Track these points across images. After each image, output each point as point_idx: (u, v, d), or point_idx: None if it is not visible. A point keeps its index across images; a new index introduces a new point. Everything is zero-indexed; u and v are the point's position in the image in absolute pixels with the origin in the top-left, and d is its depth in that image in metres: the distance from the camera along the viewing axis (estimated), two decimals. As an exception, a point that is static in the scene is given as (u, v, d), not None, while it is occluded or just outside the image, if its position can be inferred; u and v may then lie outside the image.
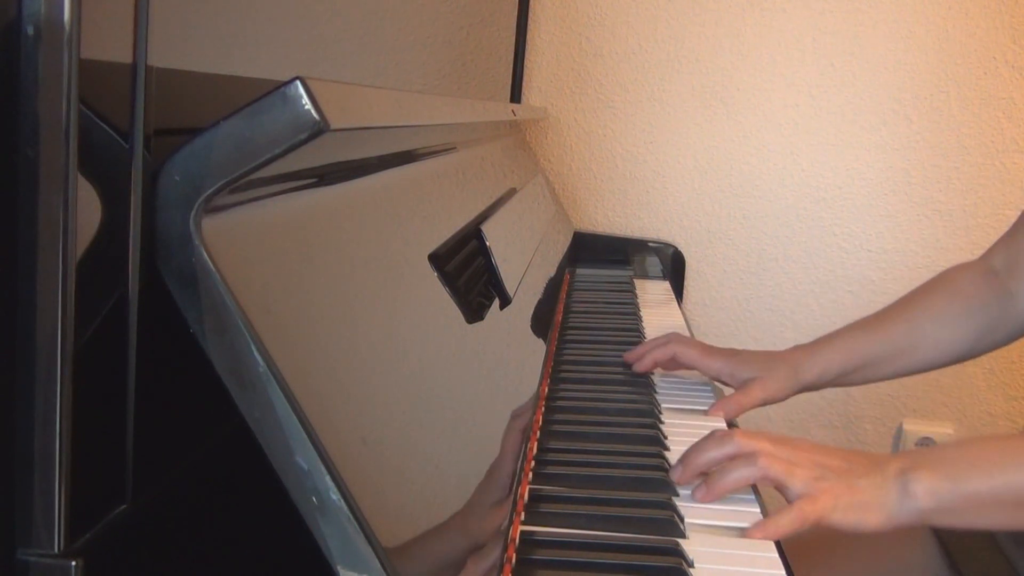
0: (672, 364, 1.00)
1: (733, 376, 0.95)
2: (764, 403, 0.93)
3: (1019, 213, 0.97)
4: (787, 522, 0.66)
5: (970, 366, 1.74)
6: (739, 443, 0.70)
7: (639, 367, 0.99)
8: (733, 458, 0.70)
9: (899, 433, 1.79)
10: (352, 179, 0.56)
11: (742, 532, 0.66)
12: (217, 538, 0.47)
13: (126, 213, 0.36)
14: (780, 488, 0.69)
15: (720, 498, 0.69)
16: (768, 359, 0.95)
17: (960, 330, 0.94)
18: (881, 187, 1.72)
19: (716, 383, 1.01)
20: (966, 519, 0.68)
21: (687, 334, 1.19)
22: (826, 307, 1.76)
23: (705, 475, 0.71)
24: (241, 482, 0.46)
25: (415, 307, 0.58)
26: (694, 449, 0.72)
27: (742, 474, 0.69)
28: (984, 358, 1.74)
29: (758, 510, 0.70)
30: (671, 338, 0.99)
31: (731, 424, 0.91)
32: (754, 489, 0.72)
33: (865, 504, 0.67)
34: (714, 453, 0.71)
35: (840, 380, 0.96)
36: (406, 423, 0.49)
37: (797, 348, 0.96)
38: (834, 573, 0.99)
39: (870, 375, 0.96)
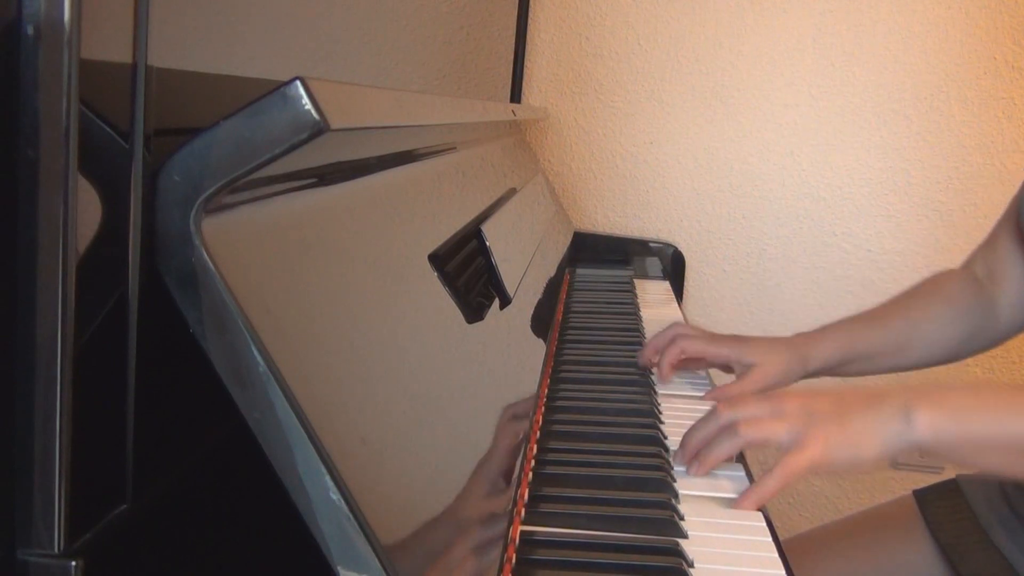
0: (683, 362, 1.00)
1: (739, 362, 0.96)
2: (764, 388, 0.94)
3: (996, 220, 0.99)
4: (773, 482, 0.67)
5: (971, 366, 1.74)
6: (720, 417, 0.72)
7: (661, 377, 0.98)
8: (721, 430, 0.72)
9: (899, 433, 1.79)
10: (352, 179, 0.56)
11: (741, 531, 0.66)
12: (217, 538, 0.47)
13: (126, 213, 0.36)
14: (768, 446, 0.69)
15: (708, 472, 0.72)
16: (771, 345, 0.96)
17: (951, 333, 0.97)
18: (881, 187, 1.72)
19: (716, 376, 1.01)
20: (960, 457, 0.69)
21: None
22: (826, 307, 1.76)
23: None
24: (241, 482, 0.46)
25: (415, 307, 0.58)
26: (689, 431, 0.75)
27: (723, 448, 0.71)
28: (984, 359, 1.74)
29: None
30: (675, 333, 0.99)
31: None
32: (746, 471, 0.74)
33: (859, 438, 0.67)
34: (703, 432, 0.73)
35: (838, 369, 0.97)
36: (406, 423, 0.49)
37: (800, 336, 0.97)
38: (833, 573, 0.99)
39: (865, 368, 0.98)
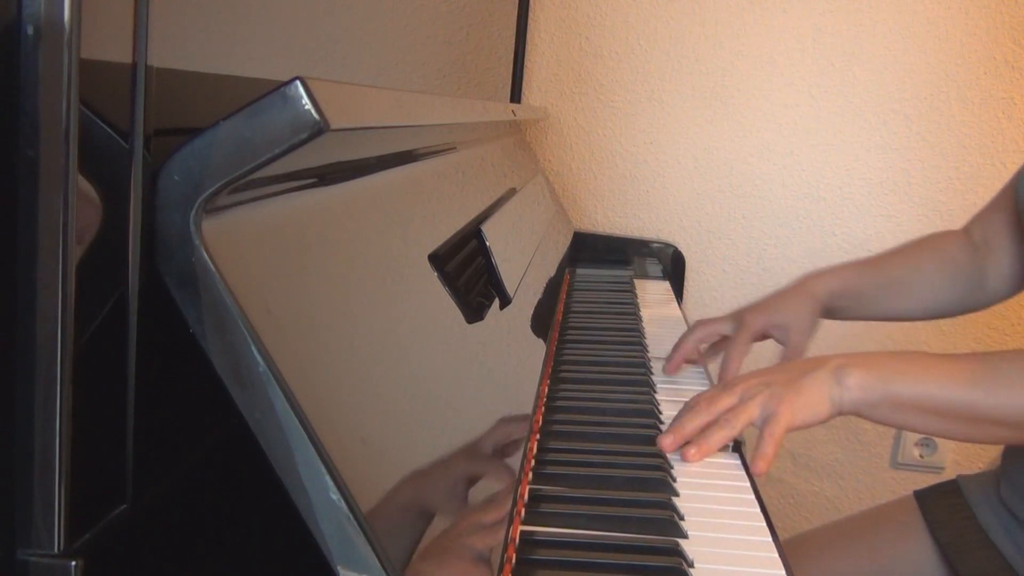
0: (710, 350, 1.07)
1: (774, 326, 1.02)
2: (804, 343, 1.01)
3: (1000, 189, 1.04)
4: (770, 447, 0.75)
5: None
6: (703, 410, 0.79)
7: (676, 359, 1.03)
8: (709, 423, 0.78)
9: (899, 433, 1.79)
10: (352, 179, 0.56)
11: (741, 531, 0.66)
12: (217, 538, 0.47)
13: (126, 213, 0.36)
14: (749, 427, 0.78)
15: (705, 456, 0.78)
16: (789, 300, 1.03)
17: (943, 290, 1.04)
18: (881, 187, 1.72)
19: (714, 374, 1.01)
20: (887, 416, 0.77)
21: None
22: (826, 307, 1.76)
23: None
24: (241, 482, 0.46)
25: (415, 307, 0.58)
26: (676, 421, 0.80)
27: (718, 436, 0.77)
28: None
29: (753, 499, 0.70)
30: (696, 328, 1.05)
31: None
32: (742, 461, 0.79)
33: (812, 399, 0.77)
34: (694, 423, 0.79)
35: (836, 307, 1.05)
36: (406, 423, 0.49)
37: (805, 277, 1.05)
38: (833, 573, 0.99)
39: (858, 309, 1.06)
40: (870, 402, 0.76)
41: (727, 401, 0.79)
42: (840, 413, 0.77)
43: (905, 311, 1.06)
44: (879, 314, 1.07)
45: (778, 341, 1.03)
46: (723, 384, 0.82)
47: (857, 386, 0.76)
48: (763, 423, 0.76)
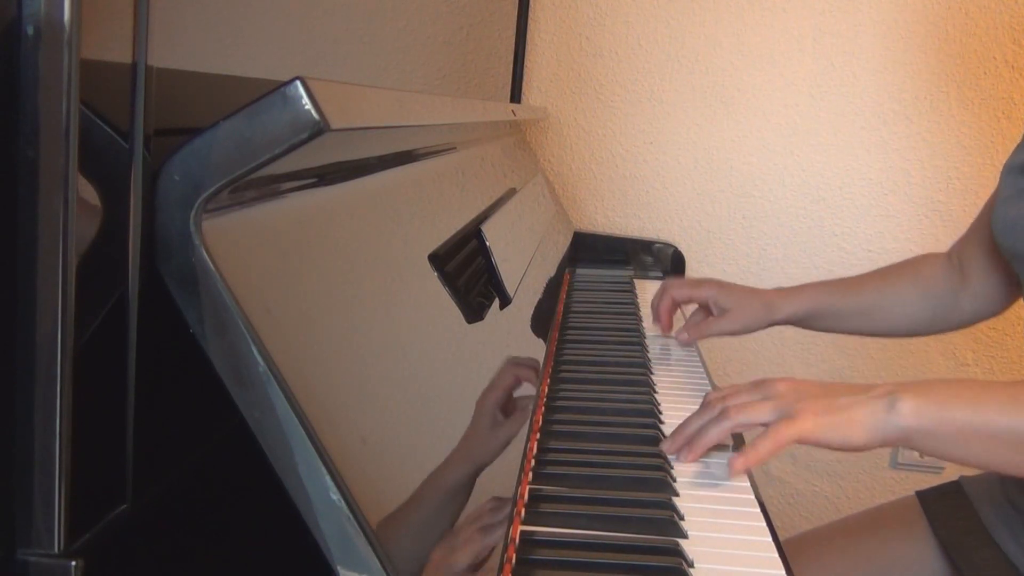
0: (675, 307, 1.19)
1: (716, 303, 1.11)
2: (731, 333, 1.10)
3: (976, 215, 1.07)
4: (766, 445, 0.70)
5: (971, 367, 1.74)
6: (710, 402, 0.77)
7: (664, 329, 1.17)
8: (709, 420, 0.76)
9: (899, 433, 1.79)
10: (352, 179, 0.56)
11: (741, 531, 0.66)
12: (217, 538, 0.47)
13: (126, 213, 0.36)
14: (758, 426, 0.73)
15: (700, 456, 0.75)
16: (746, 294, 1.11)
17: (915, 312, 1.07)
18: (881, 187, 1.72)
19: (714, 381, 1.01)
20: (944, 446, 0.71)
21: (686, 334, 1.20)
22: (826, 307, 1.76)
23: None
24: (241, 482, 0.46)
25: (415, 307, 0.58)
26: (682, 423, 0.78)
27: (712, 433, 0.74)
28: (983, 359, 1.74)
29: (753, 499, 0.70)
30: (664, 285, 1.17)
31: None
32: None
33: (849, 421, 0.70)
34: (693, 420, 0.77)
35: (805, 322, 1.10)
36: (406, 423, 0.49)
37: (776, 290, 1.11)
38: (833, 573, 0.99)
39: (831, 325, 1.11)
40: (925, 430, 0.70)
41: (744, 396, 0.75)
42: (883, 443, 0.71)
43: (878, 331, 1.11)
44: (852, 331, 1.12)
45: (712, 313, 1.13)
46: (757, 380, 0.78)
47: (912, 413, 0.70)
48: (774, 423, 0.72)
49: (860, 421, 0.70)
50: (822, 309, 1.08)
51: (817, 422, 0.70)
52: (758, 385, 0.76)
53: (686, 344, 1.14)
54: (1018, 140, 0.99)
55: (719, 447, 0.78)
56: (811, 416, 0.70)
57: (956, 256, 1.07)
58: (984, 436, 0.70)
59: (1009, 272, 0.99)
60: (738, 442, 0.79)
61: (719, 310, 1.11)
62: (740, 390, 0.76)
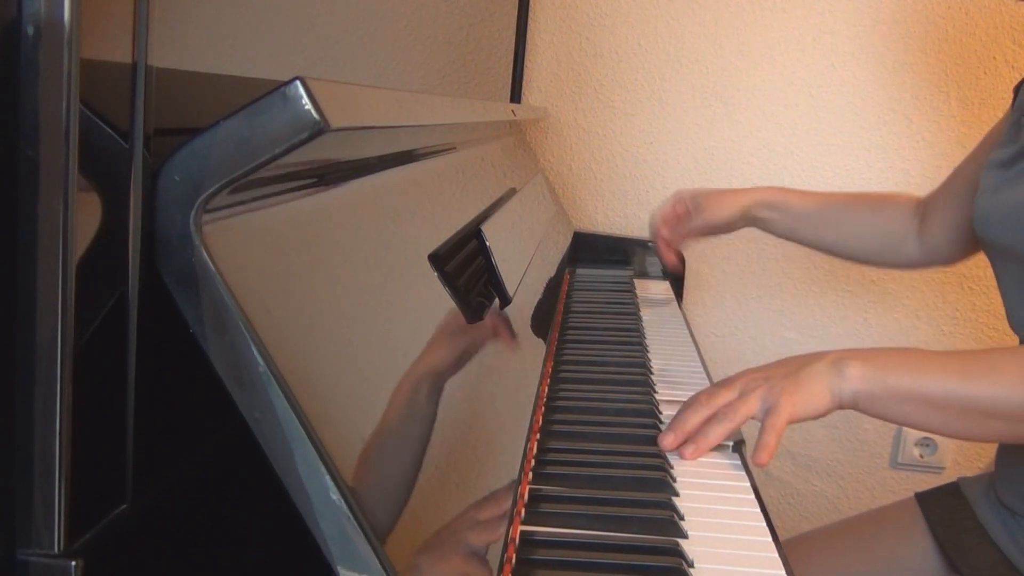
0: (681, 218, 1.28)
1: (694, 203, 1.24)
2: (709, 226, 1.23)
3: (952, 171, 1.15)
4: (772, 439, 0.75)
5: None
6: (704, 406, 0.80)
7: (664, 258, 1.33)
8: (708, 419, 0.79)
9: (899, 433, 1.79)
10: (352, 179, 0.56)
11: (741, 531, 0.66)
12: (217, 538, 0.47)
13: (126, 213, 0.36)
14: (749, 420, 0.78)
15: (702, 454, 0.78)
16: (717, 191, 1.24)
17: (863, 240, 1.17)
18: (881, 187, 1.72)
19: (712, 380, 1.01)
20: (887, 410, 0.77)
21: (686, 334, 1.20)
22: (826, 307, 1.76)
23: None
24: (241, 482, 0.46)
25: (415, 307, 0.58)
26: (677, 419, 0.80)
27: (716, 433, 0.78)
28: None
29: (753, 499, 0.70)
30: (652, 229, 1.31)
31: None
32: (742, 460, 0.80)
33: (812, 391, 0.77)
34: (692, 420, 0.79)
35: (763, 216, 1.21)
36: (406, 423, 0.49)
37: (745, 188, 1.24)
38: (833, 573, 0.99)
39: (786, 226, 1.21)
40: (870, 393, 0.76)
41: (726, 396, 0.79)
42: (840, 406, 0.77)
43: (824, 244, 1.21)
44: (803, 240, 1.22)
45: (690, 214, 1.25)
46: (722, 381, 0.83)
47: (857, 377, 0.76)
48: (764, 415, 0.76)
49: (820, 390, 0.77)
50: (779, 202, 1.19)
51: (793, 401, 0.76)
52: (732, 381, 0.81)
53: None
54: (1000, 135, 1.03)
55: (719, 447, 0.79)
56: (788, 399, 0.76)
57: (924, 204, 1.15)
58: (923, 402, 0.76)
59: (964, 234, 1.07)
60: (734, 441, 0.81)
61: (696, 209, 1.23)
62: (719, 391, 0.80)
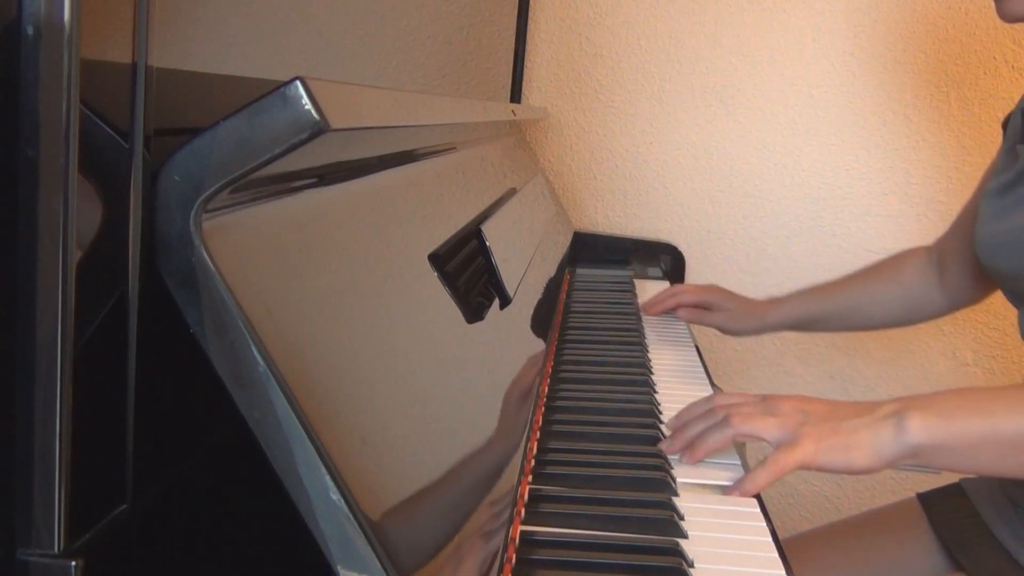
0: (676, 308, 1.28)
1: (719, 306, 1.24)
2: (722, 328, 1.24)
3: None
4: (764, 475, 0.69)
5: (971, 367, 1.74)
6: (714, 409, 0.75)
7: (654, 309, 1.28)
8: (712, 424, 0.74)
9: (899, 433, 1.79)
10: (352, 179, 0.56)
11: (741, 531, 0.66)
12: (217, 538, 0.47)
13: (126, 213, 0.36)
14: (759, 440, 0.72)
15: (701, 460, 0.74)
16: (745, 301, 1.24)
17: (890, 310, 1.17)
18: (881, 187, 1.72)
19: (716, 386, 1.01)
20: (955, 458, 0.70)
21: (687, 334, 1.21)
22: (826, 307, 1.76)
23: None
24: (241, 482, 0.46)
25: (415, 307, 0.58)
26: (680, 417, 0.78)
27: (715, 437, 0.73)
28: (984, 359, 1.74)
29: (753, 499, 0.70)
30: (676, 291, 1.29)
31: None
32: (742, 458, 0.77)
33: (852, 444, 0.69)
34: (697, 425, 0.75)
35: (794, 328, 1.23)
36: (406, 423, 0.49)
37: (769, 300, 1.23)
38: (834, 573, 0.99)
39: (818, 328, 1.23)
40: (935, 444, 0.69)
41: (748, 408, 0.74)
42: (891, 465, 0.70)
43: (857, 327, 1.23)
44: (836, 330, 1.26)
45: (707, 313, 1.25)
46: (760, 395, 0.77)
47: (921, 428, 0.69)
48: (776, 446, 0.70)
49: (864, 444, 0.69)
50: (807, 316, 1.20)
51: (819, 447, 0.68)
52: (765, 399, 0.75)
53: (684, 319, 1.27)
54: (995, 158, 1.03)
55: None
56: (813, 441, 0.69)
57: (936, 251, 1.14)
58: (994, 443, 0.69)
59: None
60: (739, 449, 0.79)
61: (719, 310, 1.23)
62: (747, 400, 0.75)
